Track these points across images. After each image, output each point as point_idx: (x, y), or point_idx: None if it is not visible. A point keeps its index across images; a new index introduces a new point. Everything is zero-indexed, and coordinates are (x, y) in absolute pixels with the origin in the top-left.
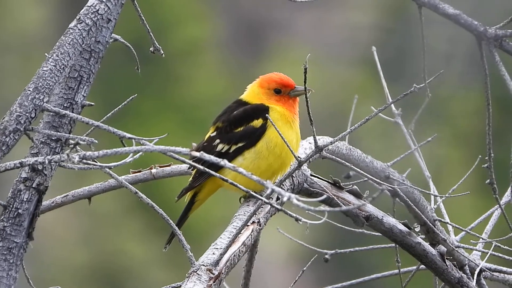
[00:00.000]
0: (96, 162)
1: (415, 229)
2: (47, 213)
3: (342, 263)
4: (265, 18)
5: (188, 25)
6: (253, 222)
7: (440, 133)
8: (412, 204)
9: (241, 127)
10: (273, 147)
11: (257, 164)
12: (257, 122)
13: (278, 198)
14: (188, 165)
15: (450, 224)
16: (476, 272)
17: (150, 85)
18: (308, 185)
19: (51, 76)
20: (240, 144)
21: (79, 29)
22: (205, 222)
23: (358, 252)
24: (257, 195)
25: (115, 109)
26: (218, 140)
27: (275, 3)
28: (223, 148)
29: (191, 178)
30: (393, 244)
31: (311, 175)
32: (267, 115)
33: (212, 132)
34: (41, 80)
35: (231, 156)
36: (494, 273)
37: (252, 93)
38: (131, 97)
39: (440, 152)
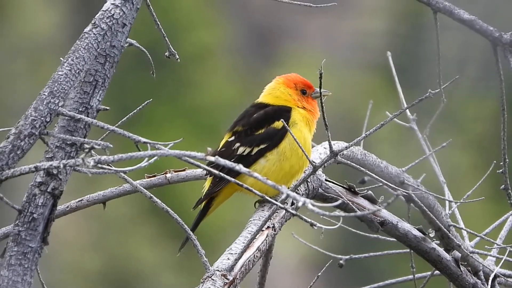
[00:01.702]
0: (111, 166)
1: (430, 234)
2: (60, 217)
3: (355, 269)
4: (277, 23)
5: (200, 30)
6: (268, 227)
7: (454, 138)
8: (427, 210)
9: (262, 129)
10: (296, 147)
11: (279, 165)
12: (279, 124)
13: (293, 203)
14: (204, 170)
15: (464, 230)
16: (491, 278)
17: (162, 90)
18: (323, 190)
19: (66, 80)
20: (262, 146)
21: (94, 34)
22: (218, 227)
23: (371, 258)
24: (272, 200)
25: (130, 114)
26: (238, 144)
27: (286, 8)
28: (244, 150)
29: (210, 184)
30: (408, 250)
31: (326, 180)
32: (282, 120)
33: (229, 137)
34: (56, 84)
35: (253, 159)
36: (509, 279)
37: (276, 93)
38: (146, 102)
39: (455, 158)
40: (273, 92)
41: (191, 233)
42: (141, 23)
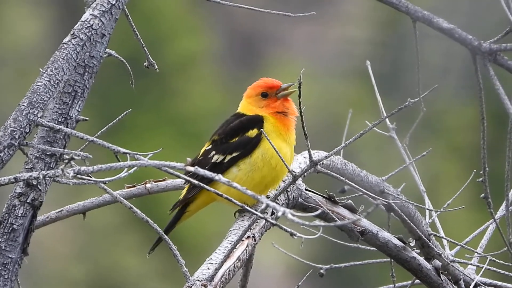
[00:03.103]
0: (90, 177)
1: (410, 243)
2: (43, 227)
3: (337, 278)
4: (261, 31)
5: (183, 39)
6: (248, 237)
7: (435, 147)
8: (407, 219)
9: (236, 138)
10: (269, 158)
11: (251, 175)
12: (252, 132)
13: (273, 213)
14: (183, 180)
15: (445, 239)
16: (471, 287)
17: (145, 99)
18: (303, 199)
19: (45, 91)
20: (235, 154)
21: (73, 44)
22: (201, 236)
23: (353, 267)
24: (252, 210)
25: (109, 124)
26: (213, 152)
27: (271, 16)
28: (218, 158)
29: (185, 191)
30: (388, 259)
31: (306, 189)
32: (262, 129)
33: (208, 146)
34: (35, 95)
35: (225, 166)
36: None
37: (244, 105)
38: (125, 112)
39: (435, 166)
40: (242, 103)
41: (171, 243)
42: (124, 33)
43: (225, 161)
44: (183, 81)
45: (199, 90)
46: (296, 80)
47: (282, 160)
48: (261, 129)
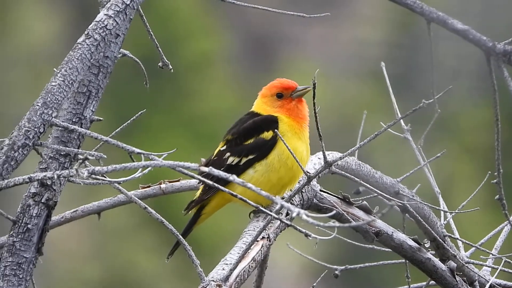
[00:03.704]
0: (105, 177)
1: (425, 244)
2: (58, 227)
3: (352, 279)
4: (275, 32)
5: (198, 39)
6: (263, 237)
7: (449, 148)
8: (422, 220)
9: (251, 139)
10: (285, 159)
11: (267, 176)
12: (268, 134)
13: (287, 214)
14: (198, 180)
15: (460, 240)
16: None
17: (160, 99)
18: (317, 200)
19: (59, 91)
20: (250, 157)
21: (87, 44)
22: (216, 237)
23: (368, 268)
24: (266, 211)
25: (124, 124)
26: (228, 153)
27: (285, 17)
28: (233, 161)
29: (200, 192)
30: (403, 260)
31: (321, 190)
32: (276, 130)
33: (222, 146)
34: (49, 95)
35: (241, 169)
36: None
37: (258, 104)
38: (140, 112)
39: (450, 168)
40: (256, 102)
41: (186, 244)
42: (138, 33)
43: (241, 163)
44: (197, 82)
45: (213, 91)
46: (311, 81)
47: (298, 162)
48: (277, 131)
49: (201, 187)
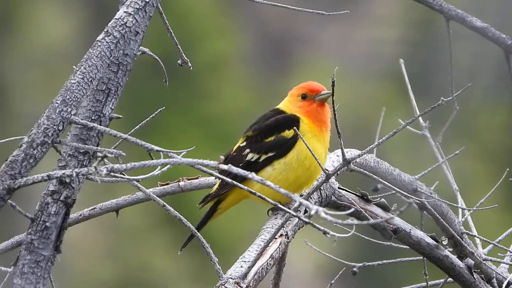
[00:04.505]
0: (123, 175)
1: (443, 242)
2: (74, 226)
3: (369, 276)
4: (291, 32)
5: (214, 40)
6: (281, 235)
7: (467, 146)
8: (440, 217)
9: (272, 137)
10: (303, 159)
11: (285, 175)
12: (289, 133)
13: (305, 211)
14: (216, 177)
15: (477, 237)
16: (504, 285)
17: (176, 99)
18: (336, 198)
19: (78, 88)
20: (270, 154)
21: (107, 42)
22: (233, 236)
23: (385, 265)
24: (284, 208)
25: (143, 122)
26: (248, 150)
27: (301, 17)
28: (253, 157)
29: (216, 186)
30: (421, 257)
31: (339, 188)
32: (294, 128)
33: (242, 142)
34: (68, 92)
35: (260, 166)
36: None
37: (285, 102)
38: (159, 110)
39: (468, 166)
40: (284, 100)
41: (204, 241)
42: (156, 32)
43: (260, 160)
44: (214, 82)
45: (229, 91)
46: (330, 79)
47: (316, 160)
48: (296, 130)
49: (218, 181)
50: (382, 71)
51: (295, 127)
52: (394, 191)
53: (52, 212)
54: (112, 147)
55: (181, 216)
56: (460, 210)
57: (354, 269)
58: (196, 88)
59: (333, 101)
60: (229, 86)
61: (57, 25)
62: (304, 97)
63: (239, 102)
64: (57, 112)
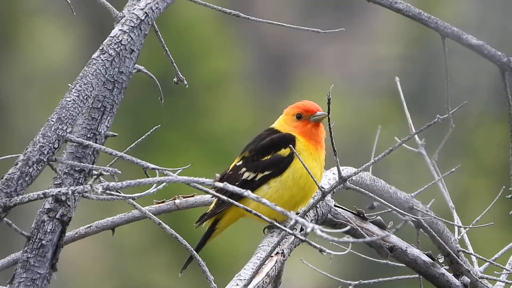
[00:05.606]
0: (119, 193)
1: (439, 260)
2: (72, 244)
3: None
4: (290, 50)
5: (214, 57)
6: (277, 253)
7: (463, 164)
8: (436, 235)
9: (268, 156)
10: (298, 178)
11: (281, 193)
12: (285, 151)
13: (302, 229)
14: (212, 195)
15: (473, 255)
16: None
17: (174, 116)
18: (332, 215)
19: (74, 106)
20: (266, 172)
21: (102, 60)
22: (230, 256)
23: (382, 283)
24: (281, 226)
25: (139, 140)
26: (244, 169)
27: (300, 35)
28: (249, 176)
29: (213, 205)
30: (417, 275)
31: (335, 205)
32: (290, 145)
33: (238, 161)
34: (64, 110)
35: (256, 184)
36: None
37: (279, 121)
38: (154, 128)
39: (464, 184)
40: (279, 119)
41: (200, 259)
42: (154, 49)
43: (257, 179)
44: (212, 100)
45: (228, 109)
46: (325, 96)
47: (313, 178)
48: (292, 148)
49: (215, 200)
50: (381, 88)
51: (291, 145)
52: (390, 209)
53: (48, 230)
54: (108, 165)
55: (177, 234)
56: (456, 227)
57: (350, 287)
58: (195, 106)
59: (328, 119)
60: (228, 103)
61: (58, 43)
62: (299, 117)
63: (237, 120)
64: (52, 130)
